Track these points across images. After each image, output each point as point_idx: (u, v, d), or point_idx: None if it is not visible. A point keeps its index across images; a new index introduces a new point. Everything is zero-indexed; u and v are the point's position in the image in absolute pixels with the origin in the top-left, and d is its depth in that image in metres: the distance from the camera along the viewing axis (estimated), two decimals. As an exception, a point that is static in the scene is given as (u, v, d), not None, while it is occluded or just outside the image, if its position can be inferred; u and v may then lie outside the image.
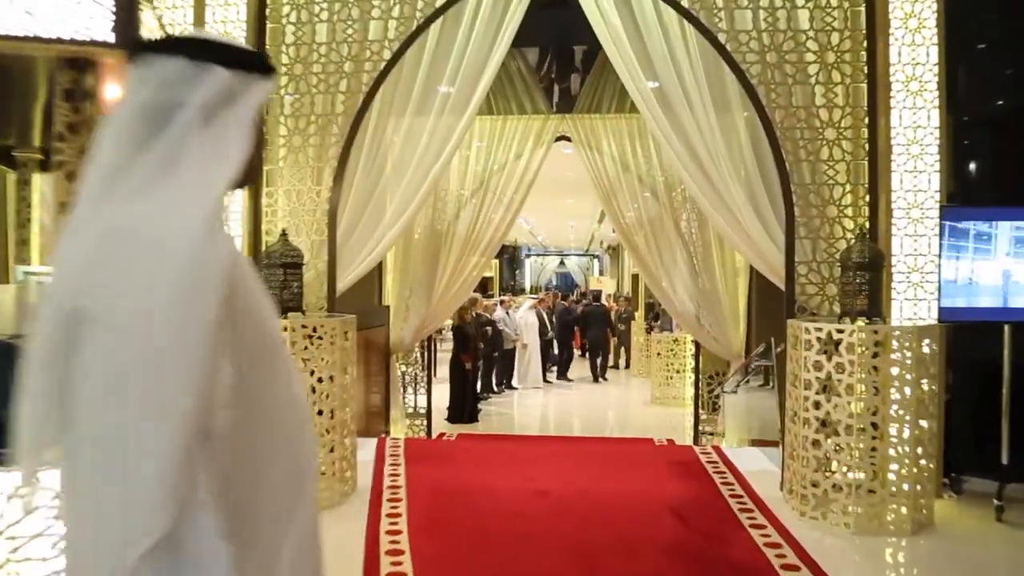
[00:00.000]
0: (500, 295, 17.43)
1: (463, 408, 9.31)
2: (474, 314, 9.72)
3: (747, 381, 6.48)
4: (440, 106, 4.77)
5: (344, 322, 4.20)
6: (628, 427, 9.60)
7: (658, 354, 10.74)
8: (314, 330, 4.01)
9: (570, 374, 13.38)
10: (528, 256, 36.58)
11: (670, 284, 7.17)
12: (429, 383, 7.74)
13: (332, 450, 4.13)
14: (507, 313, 11.68)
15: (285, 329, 3.93)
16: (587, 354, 13.87)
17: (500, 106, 7.22)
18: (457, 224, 7.21)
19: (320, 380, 4.02)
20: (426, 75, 4.77)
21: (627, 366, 14.48)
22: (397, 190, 4.73)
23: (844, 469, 3.76)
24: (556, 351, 13.70)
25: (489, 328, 10.42)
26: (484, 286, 28.43)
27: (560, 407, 10.77)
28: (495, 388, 11.37)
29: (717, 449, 5.35)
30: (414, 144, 4.84)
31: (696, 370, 7.58)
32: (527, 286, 33.73)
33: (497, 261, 30.59)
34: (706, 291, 6.97)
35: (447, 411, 9.31)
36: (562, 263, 37.43)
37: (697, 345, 7.47)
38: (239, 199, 4.68)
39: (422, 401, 7.69)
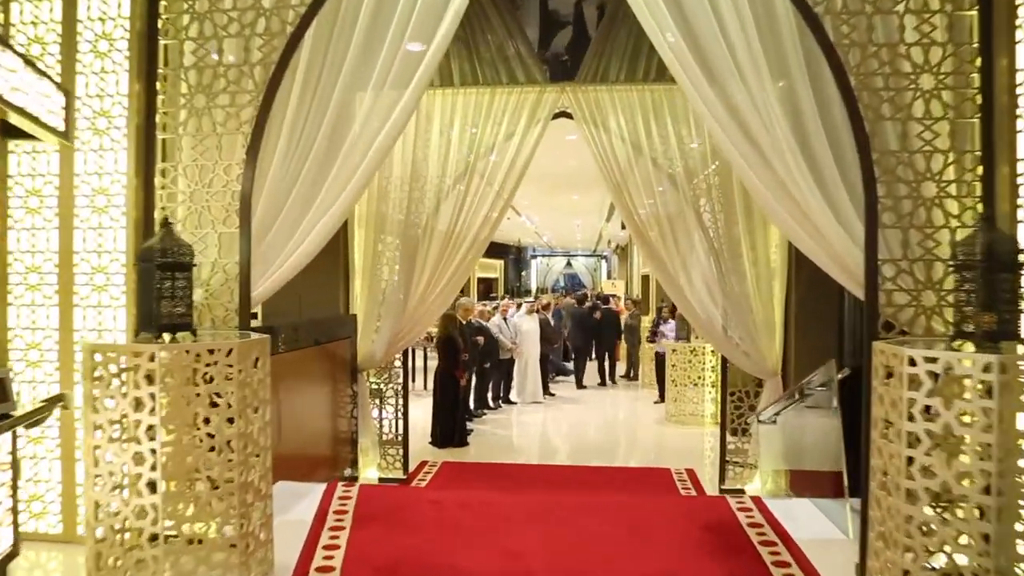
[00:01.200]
0: (502, 298, 16.29)
1: (452, 430, 8.11)
2: (463, 322, 8.50)
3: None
4: (387, 62, 3.55)
5: (249, 345, 3.01)
6: (640, 451, 8.40)
7: (673, 365, 9.52)
8: (198, 356, 2.82)
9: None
10: (534, 257, 35.51)
11: (690, 288, 5.95)
12: (406, 404, 6.55)
13: (243, 518, 2.94)
14: (504, 320, 10.46)
15: (155, 359, 2.76)
16: (595, 356, 13.18)
17: (486, 75, 6.02)
18: (437, 217, 6.05)
19: (229, 422, 2.85)
20: (371, 15, 3.56)
21: (635, 376, 13.22)
22: (330, 170, 3.52)
23: (966, 561, 2.55)
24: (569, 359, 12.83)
25: (481, 337, 9.18)
26: (488, 287, 27.33)
27: (562, 426, 9.51)
28: (491, 404, 10.17)
29: (759, 503, 4.13)
30: (351, 111, 3.64)
31: (723, 388, 6.33)
32: (533, 287, 32.64)
33: (502, 262, 29.47)
34: (734, 296, 5.76)
35: (431, 433, 8.12)
36: (569, 264, 36.37)
37: (723, 359, 6.25)
38: (122, 178, 3.51)
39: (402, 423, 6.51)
